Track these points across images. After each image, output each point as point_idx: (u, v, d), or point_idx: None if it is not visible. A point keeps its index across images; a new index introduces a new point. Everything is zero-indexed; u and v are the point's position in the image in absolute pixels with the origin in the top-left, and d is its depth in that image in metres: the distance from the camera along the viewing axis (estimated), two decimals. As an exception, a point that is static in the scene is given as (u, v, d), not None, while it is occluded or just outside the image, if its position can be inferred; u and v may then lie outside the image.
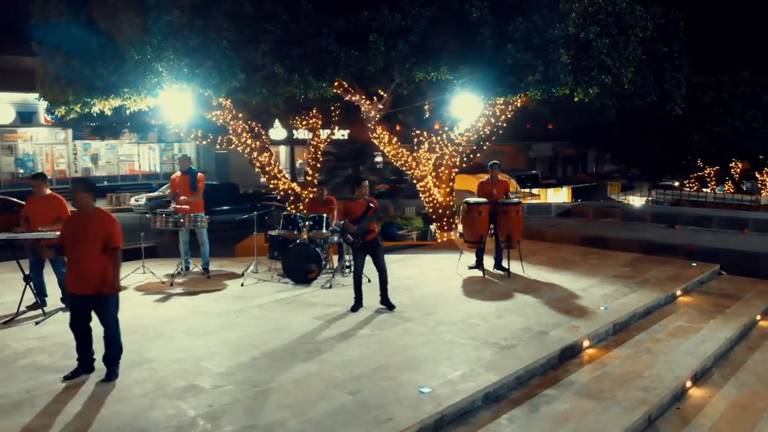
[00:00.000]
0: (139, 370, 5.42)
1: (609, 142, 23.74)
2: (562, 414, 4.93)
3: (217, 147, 11.77)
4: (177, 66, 7.31)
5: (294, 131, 25.78)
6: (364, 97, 10.42)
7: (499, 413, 4.93)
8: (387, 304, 7.32)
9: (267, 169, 12.41)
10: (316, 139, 13.82)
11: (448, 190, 12.70)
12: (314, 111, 13.45)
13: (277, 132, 27.03)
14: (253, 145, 12.02)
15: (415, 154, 11.95)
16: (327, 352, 5.90)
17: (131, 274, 8.90)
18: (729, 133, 13.87)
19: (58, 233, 7.05)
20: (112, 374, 5.21)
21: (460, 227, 13.69)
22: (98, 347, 5.33)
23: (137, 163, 36.45)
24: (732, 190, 24.63)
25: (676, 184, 27.31)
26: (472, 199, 9.18)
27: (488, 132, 11.32)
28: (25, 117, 30.25)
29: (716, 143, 17.64)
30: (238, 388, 5.05)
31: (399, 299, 7.55)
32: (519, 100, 10.47)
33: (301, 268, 8.60)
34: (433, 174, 12.52)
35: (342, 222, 7.34)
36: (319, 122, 13.80)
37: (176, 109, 9.13)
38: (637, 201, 23.17)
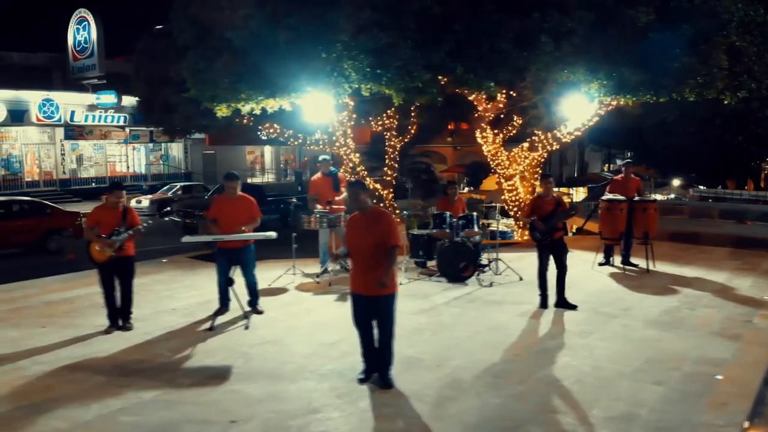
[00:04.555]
0: (423, 373, 5.44)
1: (634, 143, 24.82)
2: (842, 396, 5.28)
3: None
4: (361, 65, 7.27)
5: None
6: (484, 96, 10.58)
7: (785, 396, 5.24)
8: (565, 303, 7.44)
9: (357, 169, 12.38)
10: (394, 139, 13.85)
11: (530, 188, 13.00)
12: (391, 111, 13.47)
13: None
14: (348, 146, 12.00)
15: (510, 153, 12.19)
16: (576, 348, 6.06)
17: (283, 276, 8.77)
18: (771, 134, 15.02)
19: (259, 233, 6.98)
20: (388, 381, 5.09)
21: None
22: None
23: (125, 164, 35.21)
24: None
25: (676, 183, 28.86)
26: (610, 197, 9.47)
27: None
28: (17, 116, 28.64)
29: (758, 144, 18.94)
30: (542, 382, 5.16)
31: (571, 295, 7.68)
32: (623, 101, 10.85)
33: (455, 266, 8.68)
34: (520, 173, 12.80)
35: (531, 219, 7.46)
36: (395, 122, 13.83)
37: (316, 110, 9.02)
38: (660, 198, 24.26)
